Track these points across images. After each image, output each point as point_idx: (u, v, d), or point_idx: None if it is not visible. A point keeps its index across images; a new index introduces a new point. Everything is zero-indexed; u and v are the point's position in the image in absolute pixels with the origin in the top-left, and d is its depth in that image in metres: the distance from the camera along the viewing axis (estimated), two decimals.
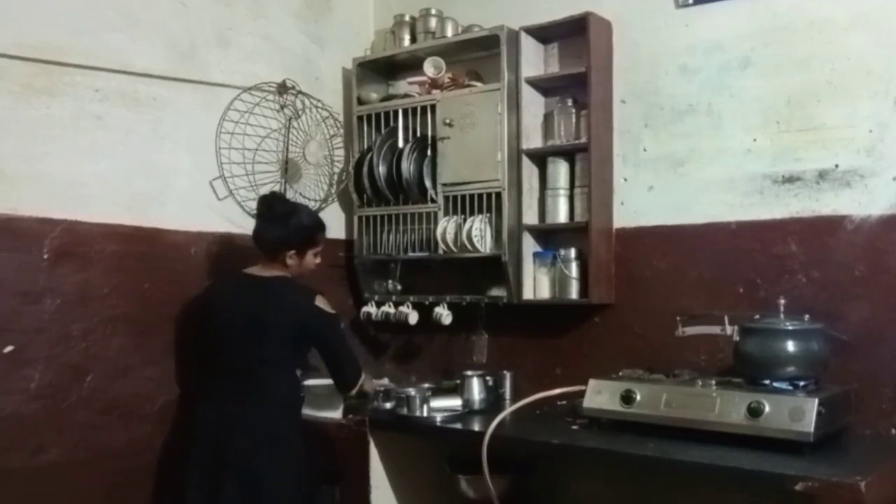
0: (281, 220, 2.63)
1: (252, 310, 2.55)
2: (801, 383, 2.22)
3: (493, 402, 2.84)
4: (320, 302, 2.62)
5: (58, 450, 2.51)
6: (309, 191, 3.22)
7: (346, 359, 2.69)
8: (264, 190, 2.97)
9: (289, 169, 3.13)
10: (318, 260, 2.74)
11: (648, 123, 2.83)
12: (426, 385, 2.92)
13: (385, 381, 3.09)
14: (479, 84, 3.05)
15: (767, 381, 2.25)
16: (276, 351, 2.55)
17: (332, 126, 3.26)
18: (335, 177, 3.30)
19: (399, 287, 3.31)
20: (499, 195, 2.92)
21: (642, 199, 2.84)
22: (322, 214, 3.19)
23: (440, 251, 3.05)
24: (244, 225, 2.97)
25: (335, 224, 3.43)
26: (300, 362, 2.74)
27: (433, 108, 3.09)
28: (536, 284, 2.98)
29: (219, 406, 2.52)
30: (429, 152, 3.11)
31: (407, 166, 3.10)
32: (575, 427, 2.46)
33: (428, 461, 2.88)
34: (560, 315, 2.98)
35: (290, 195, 3.08)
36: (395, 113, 3.22)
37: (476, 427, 2.56)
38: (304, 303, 2.59)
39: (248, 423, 2.47)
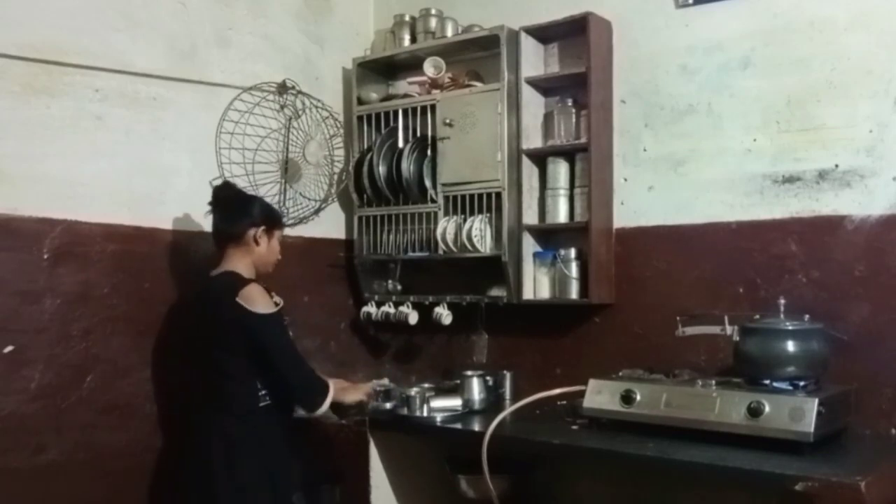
0: (242, 202, 2.56)
1: (199, 314, 2.50)
2: (801, 383, 2.22)
3: (493, 402, 2.84)
4: (244, 296, 2.36)
5: (58, 450, 2.51)
6: (309, 191, 3.22)
7: (294, 370, 2.42)
8: (264, 190, 2.97)
9: (289, 169, 3.13)
10: (278, 249, 2.59)
11: (648, 123, 2.83)
12: (426, 385, 2.92)
13: (385, 381, 3.09)
14: (479, 84, 3.05)
15: (767, 381, 2.25)
16: (220, 357, 2.43)
17: (332, 126, 3.26)
18: (335, 177, 3.29)
19: (399, 287, 3.31)
20: (499, 195, 2.92)
21: (642, 199, 2.84)
22: (322, 214, 3.21)
23: (440, 251, 3.05)
24: None
25: (335, 224, 3.43)
26: (260, 369, 2.42)
27: (433, 108, 3.09)
28: (536, 284, 2.98)
29: (191, 415, 2.53)
30: (429, 152, 3.11)
31: (407, 166, 3.10)
32: (575, 427, 2.46)
33: (428, 461, 2.88)
34: (560, 315, 2.98)
35: (290, 195, 3.09)
36: (395, 113, 3.22)
37: (476, 427, 2.56)
38: (226, 299, 2.36)
39: (205, 431, 2.43)
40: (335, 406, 2.55)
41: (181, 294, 2.81)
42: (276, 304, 2.51)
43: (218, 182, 2.87)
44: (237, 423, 2.42)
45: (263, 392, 2.46)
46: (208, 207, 2.58)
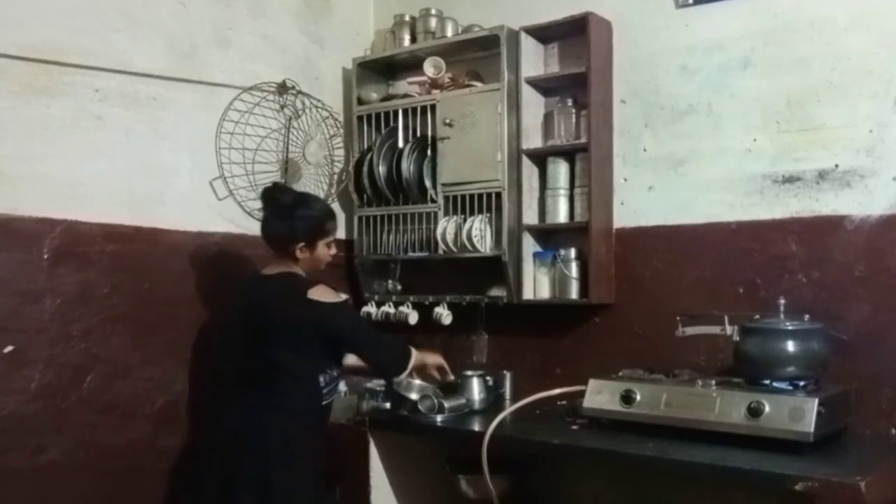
0: (286, 211, 2.46)
1: (257, 314, 2.45)
2: (801, 383, 2.22)
3: (493, 402, 2.84)
4: (316, 293, 2.41)
5: (58, 450, 2.51)
6: (309, 191, 3.22)
7: (373, 344, 2.51)
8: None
9: (289, 169, 3.13)
10: (332, 251, 2.56)
11: (648, 123, 2.83)
12: (426, 385, 2.92)
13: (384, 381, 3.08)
14: (479, 84, 3.05)
15: (767, 381, 2.25)
16: (286, 356, 2.39)
17: (332, 126, 3.27)
18: (335, 177, 3.30)
19: (399, 287, 3.31)
20: (499, 195, 2.92)
21: (642, 199, 2.84)
22: None
23: (440, 251, 3.05)
24: (244, 225, 2.97)
25: None
26: (324, 366, 2.46)
27: (433, 108, 3.09)
28: (536, 284, 2.98)
29: (234, 413, 2.44)
30: (429, 152, 3.11)
31: (407, 166, 3.10)
32: (575, 427, 2.46)
33: (428, 461, 2.88)
34: (560, 315, 2.98)
35: None
36: (395, 113, 3.22)
37: (476, 427, 2.56)
38: (298, 299, 2.39)
39: (262, 431, 2.36)
40: (420, 374, 2.66)
41: (189, 294, 2.81)
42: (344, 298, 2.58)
43: (218, 182, 2.89)
44: (295, 422, 2.39)
45: (326, 390, 2.46)
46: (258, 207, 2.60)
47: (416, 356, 2.56)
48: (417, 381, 2.75)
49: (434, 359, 2.68)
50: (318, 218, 2.51)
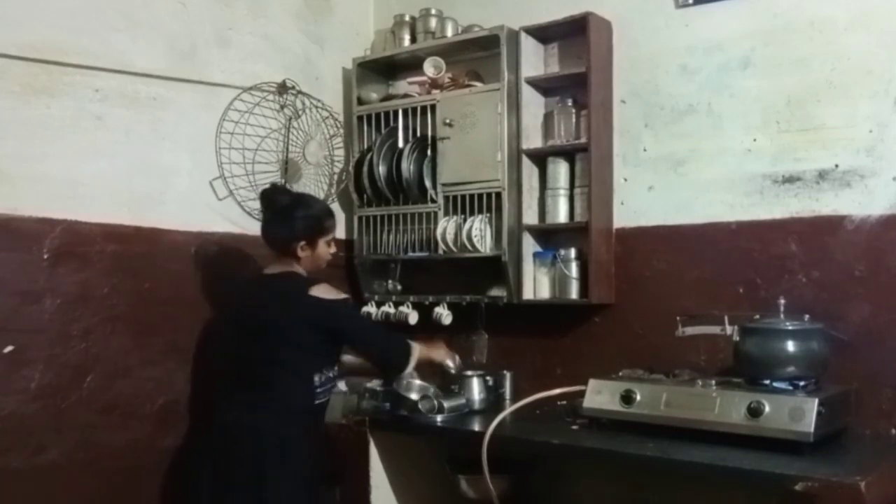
0: (285, 212, 2.53)
1: (258, 312, 2.48)
2: (801, 383, 2.22)
3: (493, 402, 2.84)
4: (318, 290, 2.46)
5: (58, 450, 2.51)
6: (309, 191, 3.22)
7: (374, 340, 2.54)
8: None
9: (289, 169, 3.13)
10: (332, 249, 2.63)
11: (648, 123, 2.83)
12: (426, 385, 2.92)
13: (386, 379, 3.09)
14: (479, 84, 3.05)
15: (767, 381, 2.25)
16: (285, 354, 2.43)
17: (332, 126, 3.27)
18: (335, 177, 3.30)
19: (399, 287, 3.31)
20: (499, 195, 2.92)
21: (642, 199, 2.84)
22: None
23: (440, 251, 3.05)
24: (244, 225, 2.97)
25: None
26: (320, 365, 2.50)
27: (433, 108, 3.09)
28: (536, 284, 2.98)
29: (229, 411, 2.45)
30: (429, 152, 3.11)
31: (407, 166, 3.10)
32: (575, 427, 2.46)
33: (428, 461, 2.88)
34: (560, 315, 2.98)
35: None
36: (395, 113, 3.21)
37: (476, 427, 2.56)
38: (299, 296, 2.44)
39: (258, 428, 2.39)
40: (423, 371, 2.64)
41: (189, 295, 2.81)
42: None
43: (218, 182, 2.89)
44: (290, 420, 2.42)
45: (321, 389, 2.49)
46: (257, 209, 2.61)
47: (419, 352, 2.58)
48: (417, 381, 2.75)
49: (439, 354, 2.71)
50: (317, 217, 2.58)
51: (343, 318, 2.51)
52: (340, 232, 3.45)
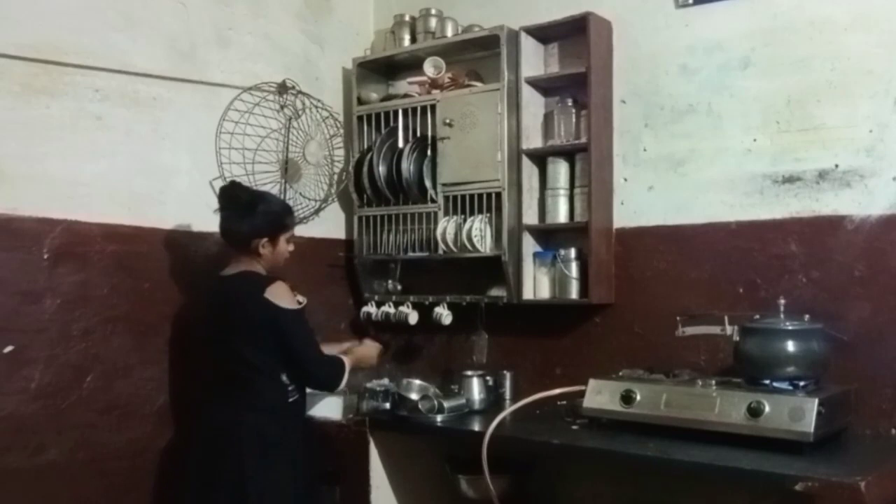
0: (247, 208, 2.51)
1: (222, 313, 2.50)
2: (801, 383, 2.22)
3: (493, 402, 2.84)
4: (273, 292, 2.45)
5: (58, 450, 2.51)
6: (309, 191, 3.22)
7: (314, 360, 2.51)
8: (264, 190, 2.96)
9: (289, 169, 3.13)
10: (290, 247, 2.62)
11: (648, 123, 2.83)
12: (427, 385, 2.92)
13: (385, 380, 3.09)
14: (479, 84, 3.05)
15: (767, 381, 2.26)
16: (249, 354, 2.44)
17: (332, 126, 3.26)
18: (335, 177, 3.29)
19: (399, 287, 3.31)
20: (499, 195, 2.92)
21: (642, 199, 2.84)
22: (322, 214, 3.21)
23: (440, 251, 3.05)
24: None
25: (335, 224, 3.43)
26: (282, 365, 2.49)
27: (433, 108, 3.09)
28: (536, 284, 2.98)
29: (213, 411, 2.50)
30: (429, 152, 3.11)
31: (407, 166, 3.10)
32: (575, 427, 2.46)
33: (428, 461, 2.88)
34: (560, 315, 2.98)
35: (290, 195, 3.08)
36: (395, 113, 3.22)
37: (476, 427, 2.56)
38: (254, 296, 2.44)
39: (235, 428, 2.42)
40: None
41: (188, 295, 2.82)
42: (300, 303, 2.59)
43: (218, 182, 2.88)
44: (269, 419, 2.45)
45: (291, 387, 2.51)
46: (216, 206, 2.57)
47: (350, 366, 2.58)
48: (417, 381, 2.77)
49: (367, 353, 2.78)
50: (279, 213, 2.59)
51: (290, 329, 2.46)
52: (340, 232, 3.46)
